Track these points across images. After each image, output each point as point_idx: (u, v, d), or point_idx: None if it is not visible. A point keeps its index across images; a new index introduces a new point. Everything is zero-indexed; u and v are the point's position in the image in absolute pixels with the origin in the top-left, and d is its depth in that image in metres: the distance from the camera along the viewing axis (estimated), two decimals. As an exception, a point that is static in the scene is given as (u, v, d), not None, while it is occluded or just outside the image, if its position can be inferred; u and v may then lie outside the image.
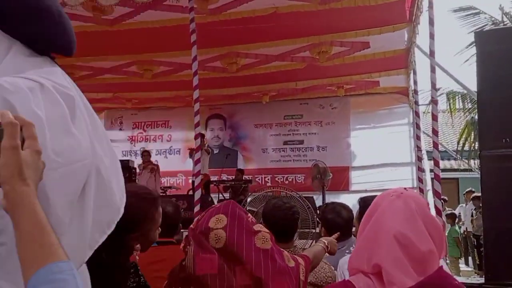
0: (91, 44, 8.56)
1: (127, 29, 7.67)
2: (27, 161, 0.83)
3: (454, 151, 14.34)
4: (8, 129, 0.81)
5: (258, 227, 1.70)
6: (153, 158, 13.28)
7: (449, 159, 16.98)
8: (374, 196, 1.69)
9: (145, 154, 11.07)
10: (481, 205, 11.29)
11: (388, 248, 1.39)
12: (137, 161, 12.21)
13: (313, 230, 7.07)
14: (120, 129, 13.84)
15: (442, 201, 8.00)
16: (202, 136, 10.48)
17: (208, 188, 10.10)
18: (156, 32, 7.83)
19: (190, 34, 6.37)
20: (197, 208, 6.30)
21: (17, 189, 0.81)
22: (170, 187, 11.51)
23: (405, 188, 1.56)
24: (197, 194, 6.43)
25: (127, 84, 10.83)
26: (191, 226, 1.73)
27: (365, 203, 2.45)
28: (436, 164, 5.47)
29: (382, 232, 1.43)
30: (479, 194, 11.72)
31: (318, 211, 9.13)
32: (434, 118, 5.55)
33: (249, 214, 1.74)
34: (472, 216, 11.33)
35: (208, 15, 7.06)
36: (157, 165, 10.90)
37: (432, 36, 5.58)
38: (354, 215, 2.99)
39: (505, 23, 11.47)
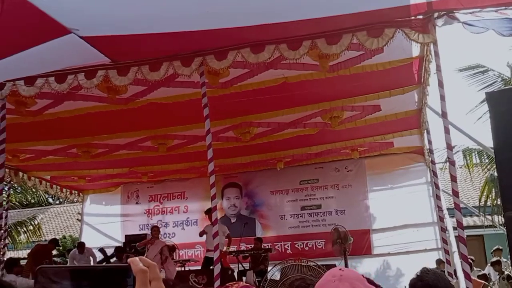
0: (107, 123, 8.78)
1: (141, 106, 7.83)
2: None
3: (475, 207, 14.06)
4: (140, 276, 0.87)
5: None
6: (170, 231, 13.25)
7: (471, 216, 16.61)
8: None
9: (155, 229, 10.94)
10: (503, 270, 10.88)
11: None
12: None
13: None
14: (137, 203, 13.87)
15: (470, 261, 7.75)
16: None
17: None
18: (169, 107, 7.97)
19: (203, 108, 6.47)
20: (217, 283, 6.16)
21: None
22: (188, 260, 11.33)
23: (340, 269, 1.57)
24: (217, 269, 6.31)
25: (142, 158, 10.95)
26: None
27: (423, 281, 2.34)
28: (460, 226, 5.31)
29: None
30: (496, 259, 11.38)
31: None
32: (453, 179, 5.46)
33: None
34: (494, 282, 10.85)
35: (219, 88, 7.20)
36: (167, 245, 10.73)
37: (442, 98, 5.59)
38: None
39: (514, 79, 11.56)
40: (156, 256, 10.36)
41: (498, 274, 10.85)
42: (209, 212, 10.30)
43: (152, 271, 0.90)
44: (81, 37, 5.31)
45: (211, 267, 9.64)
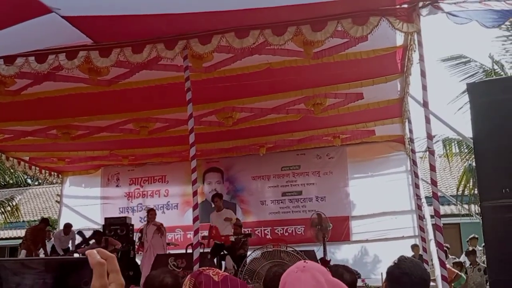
0: (87, 104, 8.67)
1: (123, 88, 7.74)
2: None
3: (453, 196, 14.29)
4: (97, 269, 0.87)
5: None
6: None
7: (449, 204, 16.88)
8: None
9: (151, 212, 10.86)
10: (476, 260, 10.96)
11: None
12: (135, 218, 12.10)
13: None
14: (117, 186, 13.78)
15: (445, 249, 7.88)
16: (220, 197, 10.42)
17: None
18: (152, 90, 7.91)
19: (186, 92, 6.43)
20: (196, 267, 6.18)
21: None
22: (169, 244, 11.33)
23: (305, 261, 1.60)
24: (196, 252, 6.33)
25: (123, 141, 10.86)
26: None
27: (399, 268, 2.35)
28: (437, 215, 5.40)
29: None
30: (472, 249, 11.54)
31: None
32: (432, 168, 5.53)
33: None
34: (466, 273, 10.96)
35: (203, 72, 7.15)
36: (162, 225, 10.69)
37: (424, 87, 5.63)
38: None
39: (495, 70, 11.66)
40: (154, 237, 10.34)
41: (471, 265, 11.01)
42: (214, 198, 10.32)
43: (111, 263, 0.90)
44: (62, 17, 5.21)
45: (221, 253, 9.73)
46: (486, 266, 11.64)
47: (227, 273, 1.89)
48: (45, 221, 12.76)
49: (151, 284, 2.64)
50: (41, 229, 12.25)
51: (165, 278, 2.51)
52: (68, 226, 11.93)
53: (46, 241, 12.36)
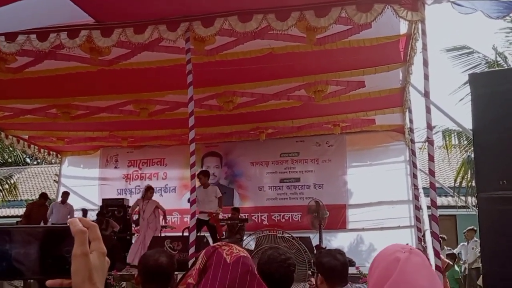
0: (88, 84, 8.64)
1: (124, 69, 7.71)
2: (96, 265, 0.89)
3: (451, 188, 14.31)
4: (78, 236, 0.88)
5: None
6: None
7: (446, 196, 16.92)
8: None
9: (151, 190, 10.84)
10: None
11: None
12: (132, 200, 12.11)
13: (309, 272, 6.98)
14: (116, 167, 13.79)
15: (440, 239, 7.91)
16: (204, 174, 10.40)
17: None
18: (153, 72, 7.87)
19: (187, 75, 6.41)
20: (192, 250, 6.21)
21: None
22: (165, 226, 11.37)
23: (407, 244, 1.55)
24: (193, 235, 6.36)
25: (123, 122, 10.84)
26: (191, 281, 1.68)
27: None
28: (434, 205, 5.41)
29: None
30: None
31: (314, 251, 9.06)
32: (431, 158, 5.53)
33: (264, 286, 1.67)
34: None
35: (204, 55, 7.11)
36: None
37: (426, 77, 5.61)
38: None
39: (498, 62, 11.61)
40: (151, 215, 10.39)
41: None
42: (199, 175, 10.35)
43: (92, 231, 0.91)
44: (65, -6, 5.17)
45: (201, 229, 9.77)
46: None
47: (240, 254, 1.83)
48: (44, 196, 12.70)
49: (146, 263, 2.65)
50: (41, 205, 12.25)
51: (160, 258, 2.52)
52: (65, 194, 11.91)
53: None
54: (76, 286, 0.87)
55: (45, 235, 0.91)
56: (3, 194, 18.19)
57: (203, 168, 13.08)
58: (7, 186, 18.39)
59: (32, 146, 12.88)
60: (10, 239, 0.89)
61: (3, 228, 0.91)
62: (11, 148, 17.17)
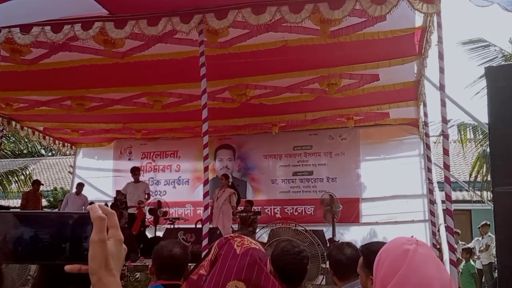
0: (102, 76, 8.68)
1: (138, 61, 7.73)
2: (112, 252, 0.91)
3: (466, 182, 14.18)
4: (97, 223, 0.90)
5: None
6: (161, 188, 13.34)
7: (461, 190, 16.77)
8: (378, 243, 1.61)
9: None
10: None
11: None
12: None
13: (323, 265, 6.97)
14: (129, 159, 13.86)
15: (455, 234, 7.86)
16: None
17: None
18: (166, 64, 7.88)
19: (200, 67, 6.40)
20: (205, 242, 6.23)
21: (103, 280, 0.89)
22: (178, 218, 11.42)
23: (412, 236, 1.54)
24: (206, 227, 6.37)
25: (136, 114, 10.88)
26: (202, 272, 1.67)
27: (368, 249, 2.37)
28: (448, 199, 5.36)
29: (425, 285, 1.37)
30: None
31: (328, 244, 9.05)
32: (446, 152, 5.47)
33: (272, 278, 1.64)
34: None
35: (218, 48, 7.09)
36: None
37: (442, 70, 5.54)
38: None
39: (515, 55, 11.45)
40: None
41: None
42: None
43: (111, 219, 0.92)
44: (79, -14, 5.19)
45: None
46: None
47: (251, 246, 1.82)
48: (36, 183, 12.85)
49: (160, 254, 2.67)
50: (34, 192, 12.43)
51: (174, 248, 2.54)
52: (80, 186, 12.04)
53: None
54: (93, 272, 0.88)
55: (64, 221, 0.92)
56: (18, 185, 18.40)
57: (216, 161, 13.15)
58: (22, 177, 18.59)
59: (47, 137, 13.00)
60: (27, 223, 0.89)
61: (23, 213, 0.92)
62: (26, 140, 17.31)
